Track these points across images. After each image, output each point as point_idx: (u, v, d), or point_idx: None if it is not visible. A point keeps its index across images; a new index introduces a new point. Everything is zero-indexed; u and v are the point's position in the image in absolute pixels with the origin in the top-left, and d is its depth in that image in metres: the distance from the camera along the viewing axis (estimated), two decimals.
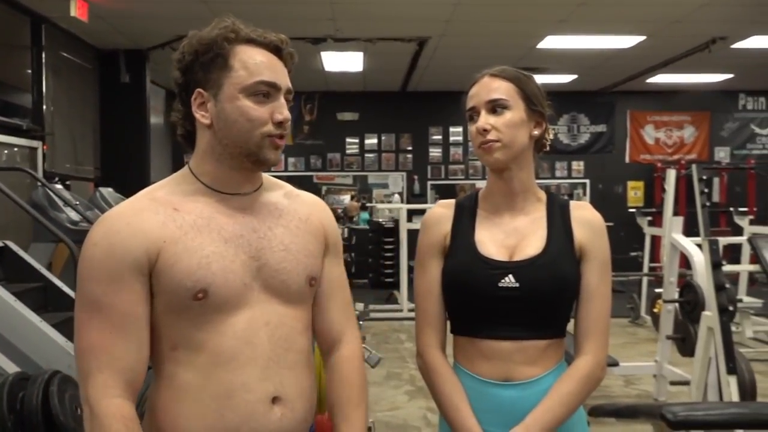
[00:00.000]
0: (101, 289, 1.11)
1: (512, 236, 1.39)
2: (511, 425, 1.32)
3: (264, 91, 1.16)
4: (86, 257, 1.13)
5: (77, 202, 4.90)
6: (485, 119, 1.36)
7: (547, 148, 1.46)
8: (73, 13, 5.53)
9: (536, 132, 1.41)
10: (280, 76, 1.18)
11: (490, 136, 1.35)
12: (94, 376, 1.09)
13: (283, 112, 1.17)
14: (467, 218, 1.43)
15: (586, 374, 1.35)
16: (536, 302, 1.35)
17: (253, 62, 1.16)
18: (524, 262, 1.35)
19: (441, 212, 1.46)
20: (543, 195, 1.45)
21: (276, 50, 1.19)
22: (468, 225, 1.42)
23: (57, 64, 6.58)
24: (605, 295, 1.40)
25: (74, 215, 4.77)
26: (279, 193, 1.28)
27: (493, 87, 1.38)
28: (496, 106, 1.36)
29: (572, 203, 1.45)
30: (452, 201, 1.48)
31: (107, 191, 5.52)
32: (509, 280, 1.34)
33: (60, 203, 4.77)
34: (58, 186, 5.19)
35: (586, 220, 1.41)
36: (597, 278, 1.38)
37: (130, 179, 7.08)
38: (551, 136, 1.47)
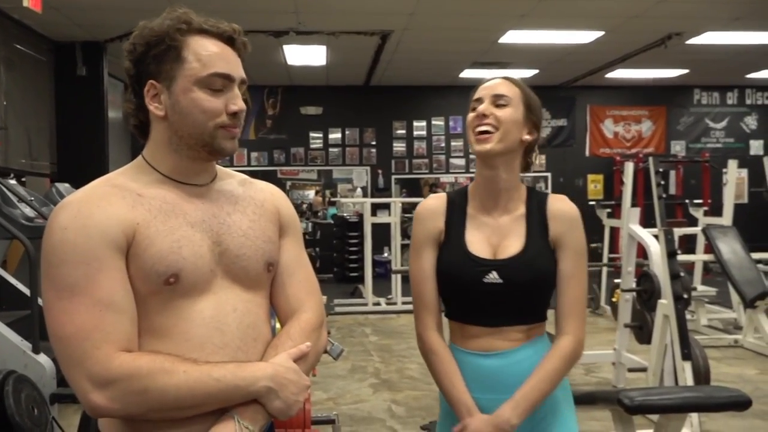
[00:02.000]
0: (80, 270, 1.06)
1: (496, 234, 1.55)
2: (492, 391, 1.48)
3: (218, 83, 1.15)
4: (55, 242, 1.07)
5: (32, 198, 4.77)
6: (488, 107, 1.51)
7: (530, 170, 1.60)
8: (26, 3, 5.34)
9: (528, 137, 1.54)
10: (234, 66, 1.18)
11: (488, 120, 1.50)
12: (92, 355, 1.04)
13: (237, 102, 1.17)
14: (458, 215, 1.58)
15: (568, 352, 1.51)
16: (518, 294, 1.51)
17: (207, 54, 1.15)
18: (506, 261, 1.51)
19: (434, 205, 1.60)
20: (524, 192, 1.59)
21: (229, 40, 1.19)
22: (459, 223, 1.57)
23: (10, 56, 6.38)
24: (580, 279, 1.54)
25: (29, 211, 4.64)
26: (233, 181, 1.29)
27: (501, 86, 1.54)
28: (500, 101, 1.52)
29: (550, 197, 1.58)
30: (443, 195, 1.62)
31: (64, 187, 5.38)
32: (493, 276, 1.50)
33: (14, 199, 4.63)
34: (12, 182, 5.04)
35: (561, 212, 1.55)
36: (571, 265, 1.53)
37: (88, 175, 6.75)
38: (536, 161, 1.62)
